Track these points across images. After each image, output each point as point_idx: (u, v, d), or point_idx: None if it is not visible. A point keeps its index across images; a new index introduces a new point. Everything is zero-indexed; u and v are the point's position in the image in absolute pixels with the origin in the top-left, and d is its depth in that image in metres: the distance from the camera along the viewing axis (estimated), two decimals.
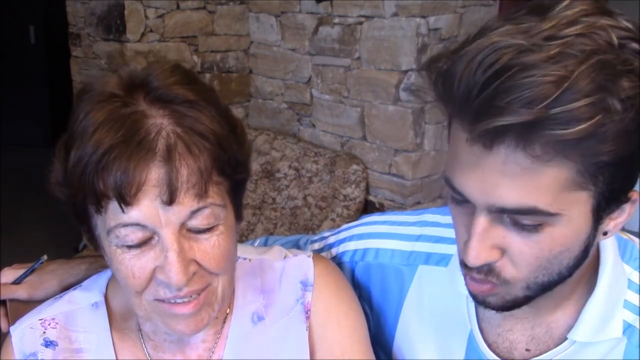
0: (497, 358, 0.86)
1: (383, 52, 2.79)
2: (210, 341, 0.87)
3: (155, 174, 0.69)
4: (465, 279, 0.77)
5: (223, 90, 3.35)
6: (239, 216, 0.82)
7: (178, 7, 3.16)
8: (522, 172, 0.64)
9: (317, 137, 3.21)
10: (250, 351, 0.86)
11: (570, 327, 0.81)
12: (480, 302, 0.77)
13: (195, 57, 3.26)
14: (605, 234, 0.73)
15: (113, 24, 3.09)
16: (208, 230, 0.74)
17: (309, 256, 0.92)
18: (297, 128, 3.32)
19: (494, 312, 0.78)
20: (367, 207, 2.97)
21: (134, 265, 0.73)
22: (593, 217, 0.69)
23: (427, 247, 0.94)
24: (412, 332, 0.94)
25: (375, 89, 2.85)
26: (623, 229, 0.80)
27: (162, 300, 0.75)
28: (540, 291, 0.74)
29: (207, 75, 3.30)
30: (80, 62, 3.48)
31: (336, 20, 2.98)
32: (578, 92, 0.60)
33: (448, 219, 0.82)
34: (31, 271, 0.97)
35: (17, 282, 0.96)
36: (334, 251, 1.02)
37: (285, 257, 0.92)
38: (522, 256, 0.70)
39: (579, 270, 0.75)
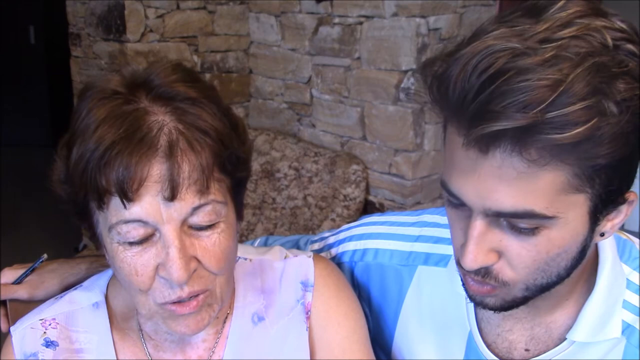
0: (496, 358, 0.86)
1: (383, 52, 2.79)
2: (210, 341, 0.87)
3: (157, 169, 0.69)
4: (463, 280, 0.77)
5: (223, 90, 3.35)
6: (239, 215, 0.82)
7: (178, 7, 3.16)
8: (518, 176, 0.64)
9: (317, 137, 3.20)
10: (250, 351, 0.87)
11: (569, 327, 0.81)
12: (477, 303, 0.77)
13: (195, 57, 3.26)
14: (602, 235, 0.73)
15: (113, 24, 3.08)
16: (209, 227, 0.74)
17: (309, 256, 0.92)
18: (297, 128, 3.32)
19: (492, 312, 0.79)
20: (367, 207, 2.97)
21: (136, 262, 0.73)
22: (590, 219, 0.69)
23: (427, 247, 0.94)
24: (411, 332, 0.94)
25: (375, 89, 2.85)
26: (622, 229, 0.81)
27: (165, 304, 0.75)
28: (539, 292, 0.74)
29: (207, 75, 3.29)
30: (80, 62, 3.47)
31: (336, 20, 2.98)
32: (573, 96, 0.60)
33: (447, 220, 0.82)
34: (31, 270, 0.97)
35: (18, 282, 0.96)
36: (333, 251, 1.02)
37: (285, 258, 0.92)
38: (520, 259, 0.70)
39: (577, 270, 0.75)
